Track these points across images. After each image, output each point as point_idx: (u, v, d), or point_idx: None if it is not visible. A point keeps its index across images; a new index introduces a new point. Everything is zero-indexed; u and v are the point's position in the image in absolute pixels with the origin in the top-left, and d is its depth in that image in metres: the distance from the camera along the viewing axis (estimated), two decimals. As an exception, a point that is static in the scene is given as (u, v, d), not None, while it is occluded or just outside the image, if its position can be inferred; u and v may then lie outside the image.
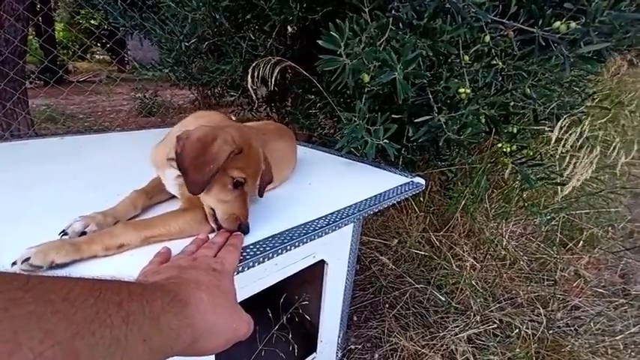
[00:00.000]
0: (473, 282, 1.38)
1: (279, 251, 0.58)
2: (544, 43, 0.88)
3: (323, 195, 0.83)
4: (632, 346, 1.21)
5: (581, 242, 1.69)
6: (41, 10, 4.84)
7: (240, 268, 0.53)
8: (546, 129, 1.80)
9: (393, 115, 1.05)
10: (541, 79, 1.22)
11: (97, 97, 5.22)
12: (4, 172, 0.83)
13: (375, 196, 0.81)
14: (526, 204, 1.76)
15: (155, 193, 0.68)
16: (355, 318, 1.32)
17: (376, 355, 1.18)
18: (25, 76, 2.49)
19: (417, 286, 1.39)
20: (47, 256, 0.46)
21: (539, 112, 1.34)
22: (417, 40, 0.95)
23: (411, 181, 0.92)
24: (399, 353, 1.17)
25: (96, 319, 0.25)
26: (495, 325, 1.23)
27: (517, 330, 1.21)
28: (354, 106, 0.99)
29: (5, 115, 2.30)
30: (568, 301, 1.42)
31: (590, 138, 1.39)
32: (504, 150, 1.17)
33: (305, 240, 0.62)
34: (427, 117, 1.02)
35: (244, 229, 0.58)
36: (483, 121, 1.10)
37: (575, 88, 1.83)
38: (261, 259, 0.56)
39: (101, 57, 9.81)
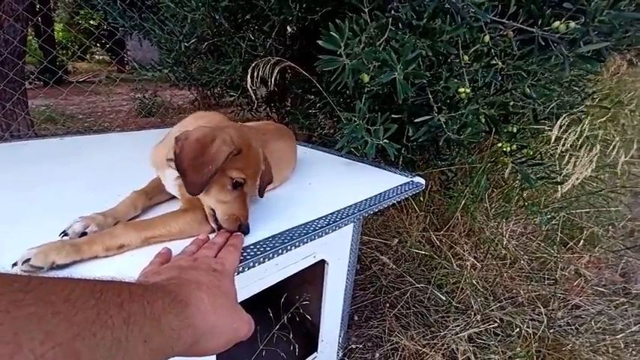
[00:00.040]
0: (473, 281, 1.38)
1: (280, 251, 0.58)
2: (543, 43, 0.88)
3: (323, 195, 0.83)
4: (633, 345, 1.21)
5: (582, 241, 1.69)
6: (40, 11, 4.84)
7: (241, 269, 0.53)
8: (546, 128, 1.79)
9: (393, 115, 1.06)
10: (540, 78, 1.22)
11: (97, 98, 5.22)
12: (4, 173, 0.83)
13: (375, 195, 0.81)
14: (526, 203, 1.76)
15: (155, 193, 0.68)
16: (356, 317, 1.32)
17: (377, 355, 1.18)
18: (24, 76, 2.49)
19: (417, 285, 1.39)
20: (48, 257, 0.47)
21: (538, 112, 1.34)
22: (416, 40, 0.95)
23: (411, 181, 0.92)
24: (399, 352, 1.17)
25: (97, 320, 0.25)
26: (496, 325, 1.23)
27: (518, 329, 1.21)
28: (354, 106, 0.99)
29: (5, 116, 2.30)
30: (569, 300, 1.42)
31: (589, 137, 1.39)
32: (504, 149, 1.17)
33: (305, 240, 0.62)
34: (427, 117, 1.02)
35: (244, 230, 0.58)
36: (483, 120, 1.10)
37: (574, 88, 1.83)
38: (261, 259, 0.56)
39: (100, 57, 9.81)
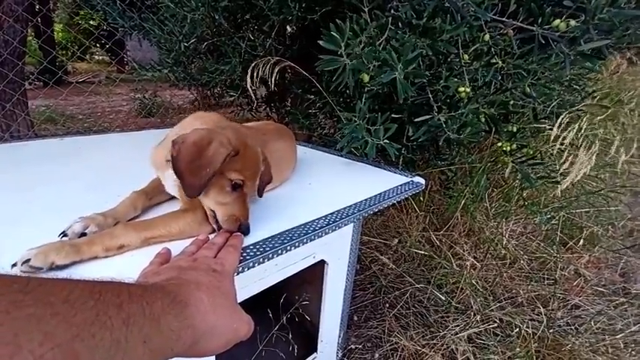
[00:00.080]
0: (473, 281, 1.38)
1: (279, 252, 0.58)
2: (544, 42, 0.88)
3: (323, 195, 0.83)
4: (633, 345, 1.21)
5: (582, 241, 1.69)
6: (40, 11, 4.84)
7: (241, 269, 0.53)
8: (546, 127, 1.80)
9: (393, 115, 1.05)
10: (541, 77, 1.22)
11: (97, 98, 5.22)
12: (4, 174, 0.83)
13: (375, 195, 0.81)
14: (526, 203, 1.76)
15: (155, 193, 0.68)
16: (355, 318, 1.32)
17: (376, 355, 1.18)
18: (24, 77, 2.48)
19: (417, 285, 1.39)
20: (47, 258, 0.46)
21: (538, 111, 1.34)
22: (416, 40, 0.95)
23: (411, 181, 0.92)
24: (399, 353, 1.17)
25: (96, 321, 0.25)
26: (496, 325, 1.23)
27: (517, 329, 1.21)
28: (354, 106, 0.99)
29: (5, 117, 2.30)
30: (568, 300, 1.42)
31: (589, 135, 1.39)
32: (504, 149, 1.17)
33: (305, 240, 0.62)
34: (427, 116, 1.02)
35: (244, 230, 0.58)
36: (483, 120, 1.10)
37: (574, 87, 1.83)
38: (261, 260, 0.56)
39: (100, 58, 9.81)
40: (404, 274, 1.44)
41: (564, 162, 1.16)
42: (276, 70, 1.24)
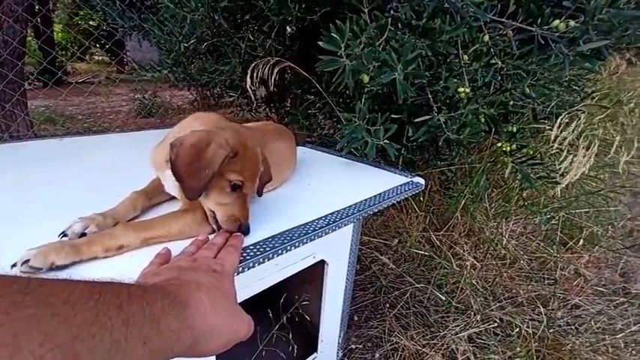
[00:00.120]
0: (473, 281, 1.38)
1: (279, 252, 0.58)
2: (543, 42, 0.88)
3: (323, 195, 0.83)
4: (633, 345, 1.21)
5: (581, 241, 1.69)
6: (40, 12, 4.84)
7: (241, 269, 0.53)
8: (546, 128, 1.80)
9: (393, 115, 1.06)
10: (540, 78, 1.22)
11: (96, 98, 5.22)
12: (4, 174, 0.83)
13: (375, 196, 0.81)
14: (526, 203, 1.76)
15: (155, 194, 0.68)
16: (356, 318, 1.32)
17: (377, 355, 1.18)
18: (24, 77, 2.48)
19: (417, 285, 1.39)
20: (47, 258, 0.46)
21: (538, 111, 1.34)
22: (416, 40, 0.95)
23: (411, 181, 0.92)
24: (399, 353, 1.17)
25: (96, 321, 0.25)
26: (496, 324, 1.23)
27: (517, 329, 1.21)
28: (354, 107, 0.99)
29: (4, 117, 2.30)
30: (568, 300, 1.42)
31: (588, 136, 1.39)
32: (504, 149, 1.17)
33: (305, 240, 0.62)
34: (427, 117, 1.03)
35: (244, 230, 0.58)
36: (483, 120, 1.10)
37: (574, 87, 1.83)
38: (261, 260, 0.56)
39: (100, 58, 9.82)
40: (404, 274, 1.44)
41: (563, 161, 1.16)
42: (275, 70, 1.25)
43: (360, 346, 1.21)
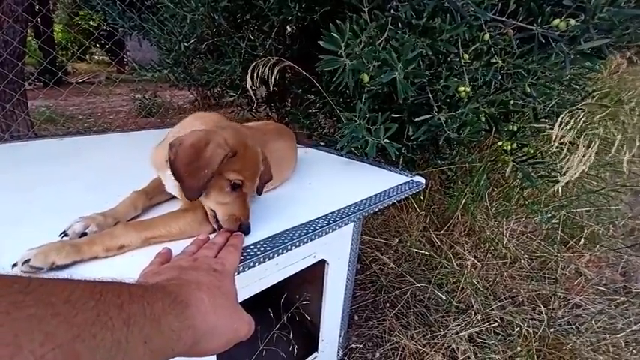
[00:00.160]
0: (474, 280, 1.38)
1: (280, 251, 0.58)
2: (543, 41, 0.88)
3: (323, 194, 0.83)
4: (634, 344, 1.21)
5: (582, 240, 1.69)
6: (40, 12, 4.84)
7: (241, 268, 0.53)
8: (547, 127, 1.80)
9: (393, 115, 1.05)
10: (541, 77, 1.22)
11: (97, 98, 5.22)
12: (4, 174, 0.83)
13: (376, 195, 0.81)
14: (526, 202, 1.76)
15: (155, 193, 0.68)
16: (356, 317, 1.32)
17: (377, 354, 1.18)
18: (24, 77, 2.48)
19: (417, 284, 1.39)
20: (48, 258, 0.46)
21: (539, 110, 1.34)
22: (416, 40, 0.95)
23: (411, 180, 0.92)
24: (400, 352, 1.17)
25: (97, 321, 0.25)
26: (496, 324, 1.23)
27: (518, 328, 1.21)
28: (354, 106, 0.99)
29: (5, 117, 2.30)
30: (569, 299, 1.42)
31: (589, 134, 1.39)
32: (505, 148, 1.17)
33: (305, 240, 0.62)
34: (427, 116, 1.02)
35: (245, 230, 0.58)
36: (483, 119, 1.10)
37: (574, 86, 1.83)
38: (261, 259, 0.56)
39: (100, 58, 9.82)
40: (404, 274, 1.44)
41: (563, 159, 1.16)
42: (276, 70, 1.24)
43: (361, 346, 1.21)
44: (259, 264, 0.55)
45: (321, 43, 0.89)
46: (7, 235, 0.57)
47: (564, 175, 1.15)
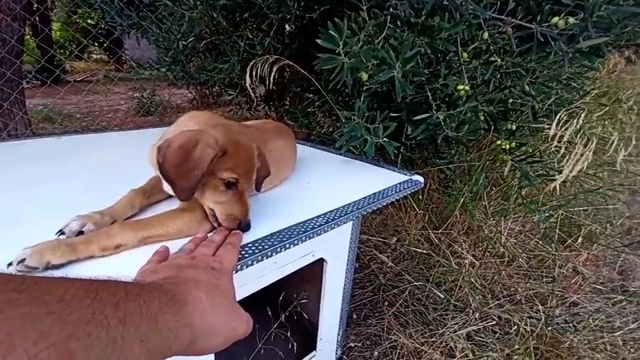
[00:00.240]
0: (472, 279, 1.38)
1: (278, 250, 0.58)
2: (542, 40, 0.88)
3: (322, 193, 0.83)
4: (632, 342, 1.21)
5: (580, 239, 1.69)
6: (38, 10, 4.82)
7: (239, 267, 0.53)
8: (545, 126, 1.80)
9: (392, 114, 1.05)
10: (539, 75, 1.22)
11: (95, 97, 5.20)
12: (2, 173, 0.83)
13: (374, 194, 0.81)
14: (525, 201, 1.76)
15: (153, 192, 0.68)
16: (355, 316, 1.33)
17: (376, 353, 1.18)
18: (22, 75, 2.47)
19: (416, 283, 1.39)
20: (43, 257, 0.46)
21: (537, 109, 1.34)
22: (415, 38, 0.94)
23: (410, 179, 0.92)
24: (398, 350, 1.17)
25: (92, 320, 0.24)
26: (494, 322, 1.24)
27: (516, 327, 1.22)
28: (353, 105, 0.99)
29: (2, 115, 2.29)
30: (566, 298, 1.43)
31: (587, 133, 1.39)
32: (503, 147, 1.17)
33: (304, 238, 0.62)
34: (426, 115, 1.02)
35: (244, 227, 0.58)
36: (482, 118, 1.10)
37: (573, 85, 1.83)
38: (260, 258, 0.55)
39: (98, 56, 9.78)
40: (403, 273, 1.45)
41: (562, 158, 1.16)
42: (274, 68, 1.24)
43: (359, 344, 1.21)
44: (258, 262, 0.55)
45: (319, 41, 0.89)
46: (4, 234, 0.56)
47: (561, 173, 1.15)
